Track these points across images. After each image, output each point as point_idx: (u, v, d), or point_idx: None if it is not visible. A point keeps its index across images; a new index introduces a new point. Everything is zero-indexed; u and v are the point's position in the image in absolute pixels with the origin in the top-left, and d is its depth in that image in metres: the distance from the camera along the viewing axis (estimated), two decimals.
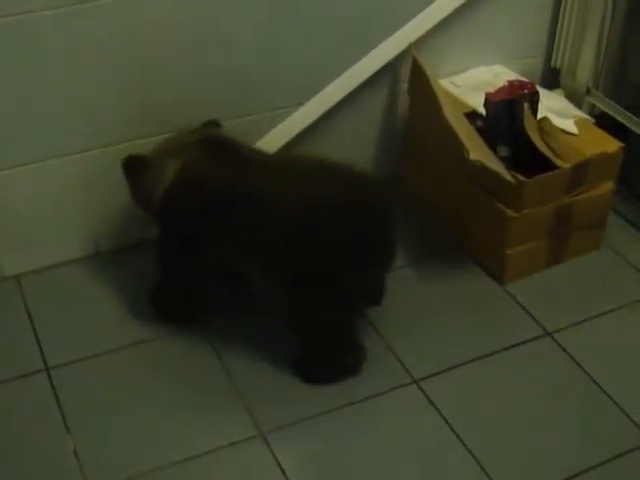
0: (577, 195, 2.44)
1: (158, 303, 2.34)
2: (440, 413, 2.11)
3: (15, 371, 2.19)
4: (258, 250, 2.10)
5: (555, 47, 2.83)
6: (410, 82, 2.61)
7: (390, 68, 2.60)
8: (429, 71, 2.50)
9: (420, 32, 2.56)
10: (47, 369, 2.20)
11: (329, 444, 2.05)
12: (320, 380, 2.18)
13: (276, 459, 2.00)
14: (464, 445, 2.04)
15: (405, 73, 2.61)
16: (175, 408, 2.12)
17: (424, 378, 2.20)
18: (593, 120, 2.64)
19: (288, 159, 2.21)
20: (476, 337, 2.32)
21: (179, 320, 2.33)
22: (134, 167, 2.22)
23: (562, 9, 2.76)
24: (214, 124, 2.28)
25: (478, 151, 2.30)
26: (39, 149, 2.32)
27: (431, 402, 2.14)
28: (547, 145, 2.41)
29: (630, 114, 2.65)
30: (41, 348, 2.25)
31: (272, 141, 2.50)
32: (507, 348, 2.29)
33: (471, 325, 2.37)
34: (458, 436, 2.06)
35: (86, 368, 2.20)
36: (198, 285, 2.29)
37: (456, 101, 2.60)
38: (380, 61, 2.55)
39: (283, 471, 1.97)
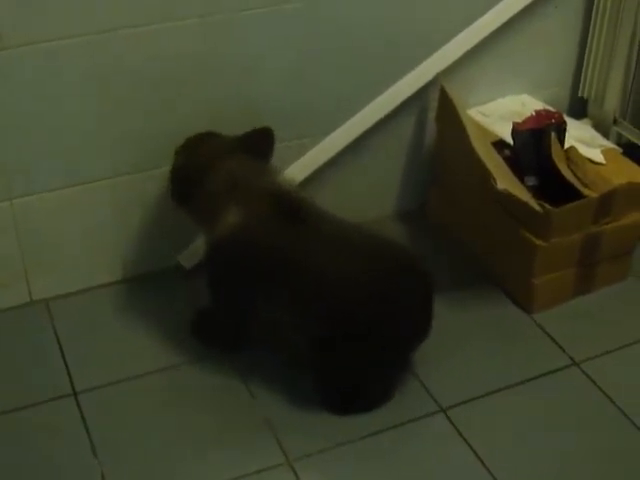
0: (605, 224, 2.44)
1: (204, 326, 2.36)
2: (467, 442, 2.10)
3: (43, 395, 2.20)
4: (296, 316, 2.14)
5: (582, 77, 2.84)
6: (438, 111, 2.62)
7: (418, 97, 2.60)
8: (457, 100, 2.51)
9: (448, 62, 2.57)
10: (75, 394, 2.21)
11: (356, 473, 2.05)
12: (350, 412, 2.17)
13: None
14: (491, 475, 2.03)
15: (433, 102, 2.62)
16: (202, 434, 2.12)
17: (451, 407, 2.19)
18: (620, 150, 2.64)
19: (351, 233, 2.16)
20: (503, 366, 2.31)
21: (221, 347, 2.34)
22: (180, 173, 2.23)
23: (589, 39, 2.77)
24: (266, 134, 2.27)
25: (506, 180, 2.30)
26: (68, 174, 2.35)
27: (458, 431, 2.13)
28: (574, 174, 2.41)
29: None
30: (69, 372, 2.26)
31: (298, 170, 2.52)
32: (534, 378, 2.28)
33: (498, 354, 2.36)
34: (485, 466, 2.05)
35: (114, 393, 2.21)
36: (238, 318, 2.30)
37: (484, 130, 2.61)
38: (408, 90, 2.56)
39: None
